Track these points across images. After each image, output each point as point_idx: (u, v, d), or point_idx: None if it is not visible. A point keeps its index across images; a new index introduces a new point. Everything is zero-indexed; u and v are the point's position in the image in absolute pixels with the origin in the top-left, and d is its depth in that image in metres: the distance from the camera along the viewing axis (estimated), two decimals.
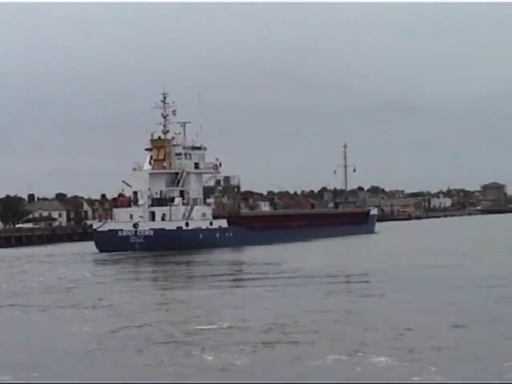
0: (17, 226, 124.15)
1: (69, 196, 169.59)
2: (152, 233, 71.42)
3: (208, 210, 77.51)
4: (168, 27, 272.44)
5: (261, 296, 30.47)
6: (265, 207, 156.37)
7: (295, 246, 71.89)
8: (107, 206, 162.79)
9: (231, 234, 76.25)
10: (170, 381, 16.10)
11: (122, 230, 72.27)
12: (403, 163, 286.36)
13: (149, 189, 75.09)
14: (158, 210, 74.18)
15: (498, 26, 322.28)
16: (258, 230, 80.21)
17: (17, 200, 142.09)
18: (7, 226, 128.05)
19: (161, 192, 75.94)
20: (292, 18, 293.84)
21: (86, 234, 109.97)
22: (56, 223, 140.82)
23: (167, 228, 71.90)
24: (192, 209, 75.05)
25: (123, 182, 77.13)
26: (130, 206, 75.46)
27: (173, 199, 74.85)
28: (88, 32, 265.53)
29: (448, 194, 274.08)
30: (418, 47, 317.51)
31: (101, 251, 70.23)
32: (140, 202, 74.88)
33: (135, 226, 72.05)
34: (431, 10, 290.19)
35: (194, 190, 77.73)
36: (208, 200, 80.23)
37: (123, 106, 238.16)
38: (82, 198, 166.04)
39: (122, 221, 73.96)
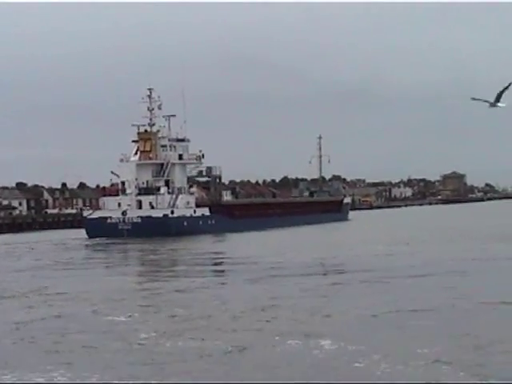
0: None
1: (29, 185, 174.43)
2: (139, 220, 78.64)
3: (191, 199, 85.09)
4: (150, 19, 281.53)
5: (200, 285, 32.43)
6: (226, 196, 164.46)
7: (270, 233, 78.55)
8: (68, 194, 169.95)
9: (213, 222, 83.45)
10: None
11: (110, 218, 79.59)
12: (364, 152, 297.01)
13: (136, 179, 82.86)
14: (145, 199, 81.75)
15: (457, 17, 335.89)
16: (239, 217, 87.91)
17: None
18: None
19: (147, 182, 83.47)
20: (265, 12, 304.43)
21: (46, 223, 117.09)
22: (16, 212, 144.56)
23: (154, 215, 78.83)
24: (177, 197, 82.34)
25: (112, 172, 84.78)
26: (118, 194, 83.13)
27: (159, 188, 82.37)
28: (78, 20, 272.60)
29: (409, 183, 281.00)
30: (380, 37, 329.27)
31: (90, 237, 77.36)
32: (128, 191, 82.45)
33: (123, 213, 79.32)
34: (394, 2, 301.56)
35: (179, 179, 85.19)
36: (191, 189, 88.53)
37: (97, 96, 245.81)
38: (43, 187, 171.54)
39: (110, 209, 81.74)
